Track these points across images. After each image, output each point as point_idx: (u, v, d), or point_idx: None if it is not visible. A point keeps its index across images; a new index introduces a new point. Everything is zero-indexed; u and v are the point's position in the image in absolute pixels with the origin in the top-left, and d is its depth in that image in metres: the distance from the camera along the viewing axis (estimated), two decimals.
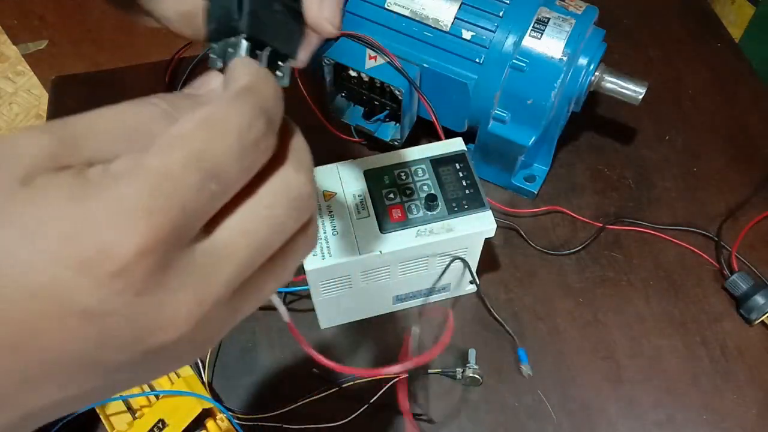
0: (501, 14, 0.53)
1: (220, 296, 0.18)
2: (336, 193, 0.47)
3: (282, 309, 0.25)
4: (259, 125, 0.18)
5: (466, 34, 0.53)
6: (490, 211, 0.46)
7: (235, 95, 0.18)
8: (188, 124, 0.17)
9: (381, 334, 0.52)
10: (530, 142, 0.54)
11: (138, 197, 0.16)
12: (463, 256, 0.47)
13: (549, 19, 0.51)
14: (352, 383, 0.49)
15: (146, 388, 0.49)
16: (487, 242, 0.48)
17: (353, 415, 0.48)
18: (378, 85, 0.56)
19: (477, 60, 0.53)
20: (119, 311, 0.16)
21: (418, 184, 0.47)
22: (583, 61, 0.53)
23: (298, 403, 0.48)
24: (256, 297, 0.20)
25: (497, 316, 0.52)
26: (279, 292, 0.54)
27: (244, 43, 0.21)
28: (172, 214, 0.16)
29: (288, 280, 0.21)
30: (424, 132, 0.61)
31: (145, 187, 0.16)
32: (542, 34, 0.51)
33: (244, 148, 0.18)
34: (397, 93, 0.54)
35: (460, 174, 0.48)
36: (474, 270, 0.53)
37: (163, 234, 0.16)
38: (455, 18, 0.53)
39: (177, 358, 0.19)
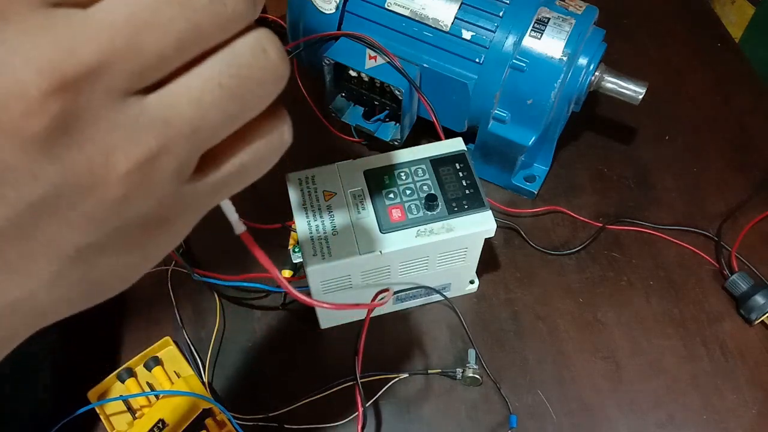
0: (501, 14, 0.53)
1: (175, 155, 0.16)
2: (336, 193, 0.47)
3: (234, 217, 0.23)
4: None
5: (466, 34, 0.53)
6: (490, 211, 0.46)
7: None
8: None
9: (381, 334, 0.52)
10: (530, 142, 0.54)
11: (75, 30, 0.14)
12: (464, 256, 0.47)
13: (549, 19, 0.51)
14: (352, 383, 0.49)
15: (146, 388, 0.49)
16: (487, 242, 0.48)
17: (353, 415, 0.48)
18: (378, 85, 0.56)
19: (477, 60, 0.53)
20: (43, 156, 0.15)
21: (418, 184, 0.47)
22: (583, 61, 0.53)
23: (298, 403, 0.48)
24: (225, 172, 0.19)
25: (492, 377, 0.51)
26: (278, 292, 0.54)
27: None
28: (100, 49, 0.15)
29: (262, 167, 0.20)
30: (424, 132, 0.62)
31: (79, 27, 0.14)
32: (542, 34, 0.51)
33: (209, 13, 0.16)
34: (397, 93, 0.54)
35: (460, 174, 0.48)
36: (474, 270, 0.53)
37: (78, 71, 0.14)
38: (455, 18, 0.53)
39: (126, 228, 0.17)
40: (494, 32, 0.53)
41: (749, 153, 0.64)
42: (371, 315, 0.53)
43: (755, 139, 0.65)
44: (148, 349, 0.50)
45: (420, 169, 0.48)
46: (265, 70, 0.18)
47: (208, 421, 0.47)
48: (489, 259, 0.56)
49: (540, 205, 0.60)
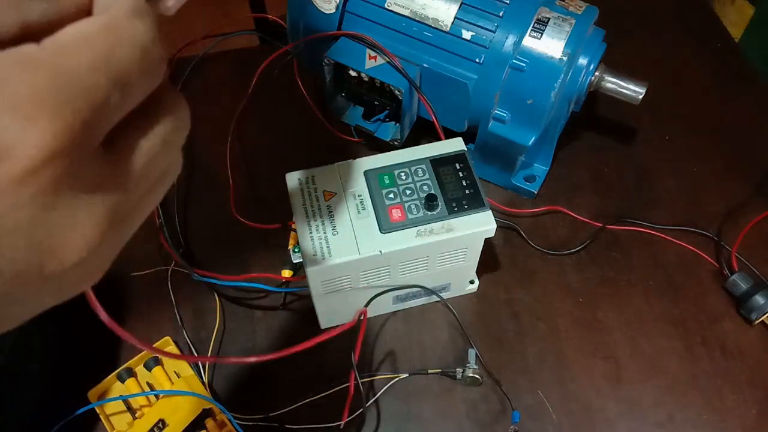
0: (501, 14, 0.53)
1: (120, 216, 0.17)
2: (336, 193, 0.47)
3: None
4: (159, 45, 0.17)
5: (466, 34, 0.53)
6: (490, 211, 0.46)
7: (132, 10, 0.17)
8: (90, 25, 0.16)
9: (381, 334, 0.52)
10: (530, 142, 0.54)
11: (46, 91, 0.14)
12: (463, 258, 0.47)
13: (549, 19, 0.51)
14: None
15: (146, 388, 0.49)
16: (487, 242, 0.48)
17: (353, 415, 0.48)
18: (378, 85, 0.56)
19: (477, 60, 0.53)
20: (20, 226, 0.14)
21: (418, 184, 0.47)
22: (583, 61, 0.53)
23: (298, 403, 0.48)
24: (140, 218, 0.20)
25: (493, 375, 0.50)
26: (278, 292, 0.54)
27: None
28: (83, 114, 0.14)
29: (159, 202, 0.21)
30: (424, 132, 0.61)
31: (52, 82, 0.14)
32: (542, 34, 0.51)
33: (148, 64, 0.17)
34: (397, 93, 0.54)
35: (460, 174, 0.48)
36: (474, 270, 0.53)
37: (73, 134, 0.14)
38: (455, 18, 0.53)
39: (65, 288, 0.17)
40: (494, 32, 0.53)
41: (749, 153, 0.64)
42: (371, 316, 0.53)
43: (755, 139, 0.65)
44: None
45: (420, 169, 0.48)
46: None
47: (208, 421, 0.47)
48: (489, 259, 0.56)
49: (540, 205, 0.60)
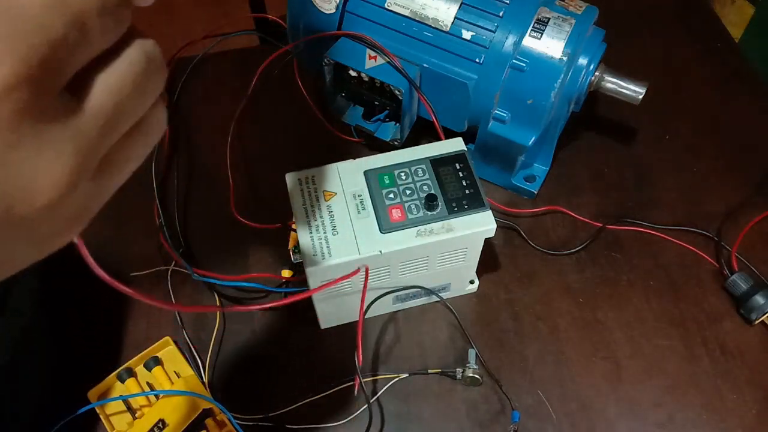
0: (501, 14, 0.53)
1: (91, 160, 0.17)
2: (336, 193, 0.47)
3: None
4: None
5: (466, 34, 0.53)
6: (490, 211, 0.46)
7: None
8: None
9: (381, 334, 0.52)
10: (530, 142, 0.54)
11: None
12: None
13: (549, 19, 0.51)
14: (352, 383, 0.49)
15: (146, 388, 0.49)
16: (487, 242, 0.48)
17: (353, 415, 0.48)
18: (378, 85, 0.56)
19: (477, 60, 0.53)
20: None
21: (418, 184, 0.47)
22: (583, 61, 0.53)
23: (298, 403, 0.48)
24: (119, 171, 0.19)
25: (493, 375, 0.50)
26: (278, 292, 0.54)
27: None
28: (40, 50, 0.15)
29: (143, 158, 0.21)
30: (424, 132, 0.62)
31: (4, 19, 0.15)
32: (542, 34, 0.51)
33: (107, 4, 0.17)
34: (397, 93, 0.54)
35: (460, 174, 0.48)
36: (474, 270, 0.53)
37: (30, 70, 0.15)
38: (455, 18, 0.53)
39: (40, 236, 0.17)
40: (494, 32, 0.53)
41: (749, 153, 0.64)
42: (371, 316, 0.53)
43: (755, 139, 0.65)
44: (148, 349, 0.50)
45: (420, 169, 0.48)
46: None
47: (208, 421, 0.47)
48: (489, 259, 0.56)
49: (540, 205, 0.60)
